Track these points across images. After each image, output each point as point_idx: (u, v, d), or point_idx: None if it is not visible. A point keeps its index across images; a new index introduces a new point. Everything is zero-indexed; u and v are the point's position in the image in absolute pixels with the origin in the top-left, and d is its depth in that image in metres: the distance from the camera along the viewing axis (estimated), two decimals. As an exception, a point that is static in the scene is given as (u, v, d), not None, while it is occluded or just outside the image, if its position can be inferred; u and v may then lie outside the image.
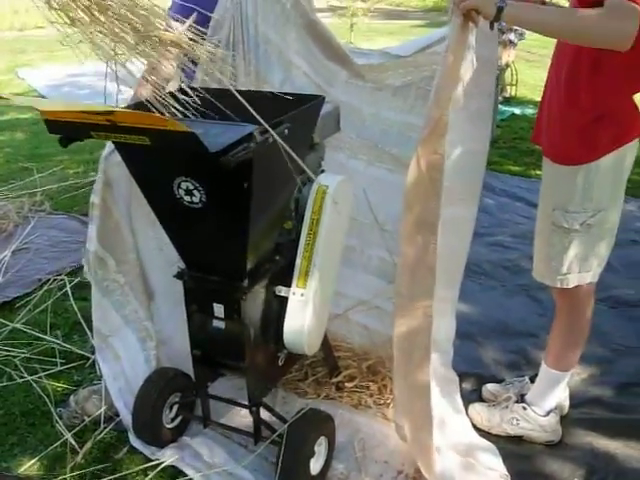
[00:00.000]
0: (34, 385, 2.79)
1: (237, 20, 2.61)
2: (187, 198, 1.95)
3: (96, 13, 1.65)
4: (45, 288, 3.52)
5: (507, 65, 7.84)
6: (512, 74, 8.28)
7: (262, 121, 1.72)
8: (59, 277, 3.58)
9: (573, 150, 2.15)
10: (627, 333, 3.22)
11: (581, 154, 2.13)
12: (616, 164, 2.13)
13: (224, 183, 1.84)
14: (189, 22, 1.99)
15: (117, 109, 1.63)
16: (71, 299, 3.34)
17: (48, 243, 4.08)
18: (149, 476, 2.26)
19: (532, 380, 2.63)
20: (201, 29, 1.96)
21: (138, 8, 1.69)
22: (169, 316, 2.71)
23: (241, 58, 2.66)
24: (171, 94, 1.77)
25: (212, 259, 2.11)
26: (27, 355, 3.00)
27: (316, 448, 2.23)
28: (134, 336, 2.67)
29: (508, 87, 8.33)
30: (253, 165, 1.75)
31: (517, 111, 7.76)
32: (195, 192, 1.92)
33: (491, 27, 1.99)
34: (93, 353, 2.95)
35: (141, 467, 2.31)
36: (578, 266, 2.23)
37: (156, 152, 1.83)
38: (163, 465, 2.26)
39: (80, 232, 4.28)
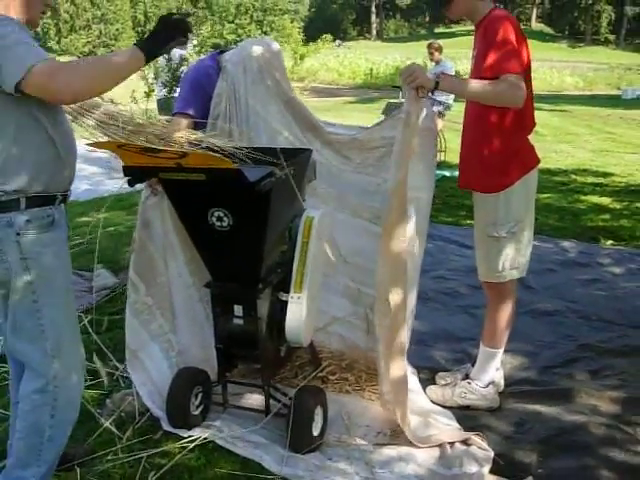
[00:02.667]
0: (74, 394, 3.39)
1: (232, 98, 3.36)
2: (218, 223, 2.69)
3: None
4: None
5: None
6: (441, 142, 9.31)
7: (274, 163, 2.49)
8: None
9: (493, 182, 3.01)
10: (546, 333, 4.07)
11: (499, 184, 2.99)
12: (525, 186, 3.00)
13: (249, 209, 2.59)
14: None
15: (190, 151, 2.34)
16: (90, 330, 3.98)
17: (55, 292, 4.67)
18: (188, 447, 2.91)
19: (473, 365, 3.39)
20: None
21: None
22: (186, 329, 3.37)
23: (236, 127, 3.40)
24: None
25: (235, 270, 2.84)
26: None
27: (315, 415, 2.92)
28: (158, 348, 3.32)
29: (438, 153, 9.33)
30: (272, 193, 2.52)
31: (447, 174, 8.77)
32: (225, 218, 2.66)
33: (432, 93, 2.86)
34: (116, 370, 3.61)
35: (183, 442, 2.93)
36: (510, 264, 3.05)
37: (197, 190, 2.57)
38: (199, 438, 2.90)
39: (80, 283, 4.93)
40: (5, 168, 2.24)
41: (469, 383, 3.26)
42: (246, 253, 2.76)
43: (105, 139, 2.35)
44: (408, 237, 2.85)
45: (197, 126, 3.25)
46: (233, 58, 3.29)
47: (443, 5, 3.03)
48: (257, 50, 3.28)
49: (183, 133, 2.56)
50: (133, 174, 2.57)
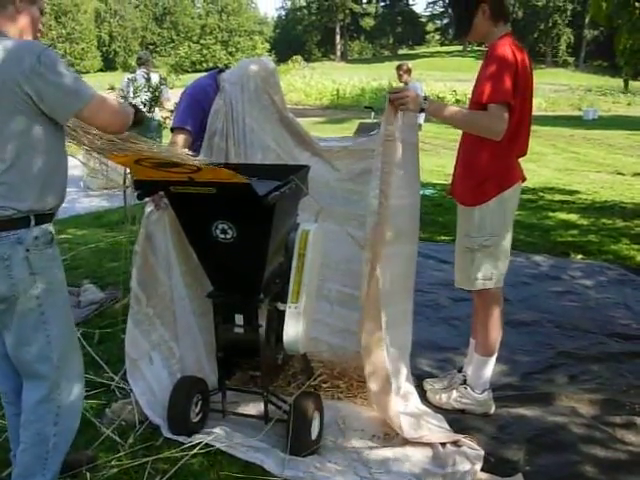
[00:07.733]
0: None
1: (229, 115, 3.48)
2: (222, 236, 2.82)
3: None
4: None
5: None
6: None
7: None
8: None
9: (471, 197, 3.21)
10: (525, 342, 4.26)
11: (476, 199, 3.18)
12: (501, 203, 3.19)
13: (254, 222, 2.72)
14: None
15: (204, 166, 2.48)
16: (84, 343, 4.05)
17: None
18: (190, 453, 3.00)
19: (459, 370, 3.55)
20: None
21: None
22: (183, 338, 3.48)
23: (232, 144, 3.52)
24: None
25: (237, 280, 2.96)
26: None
27: (313, 420, 3.04)
28: (159, 357, 3.41)
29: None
30: (276, 207, 2.66)
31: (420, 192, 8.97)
32: (229, 231, 2.80)
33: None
34: (112, 381, 3.69)
35: (185, 447, 3.02)
36: (482, 274, 3.23)
37: (204, 203, 2.70)
38: (202, 443, 2.99)
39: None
40: (22, 187, 2.33)
41: (465, 388, 3.42)
42: (249, 264, 2.89)
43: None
44: (391, 249, 3.05)
45: (195, 142, 3.40)
46: (231, 78, 3.43)
47: (464, 32, 3.20)
48: (254, 69, 3.43)
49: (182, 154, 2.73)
50: (143, 188, 2.69)
